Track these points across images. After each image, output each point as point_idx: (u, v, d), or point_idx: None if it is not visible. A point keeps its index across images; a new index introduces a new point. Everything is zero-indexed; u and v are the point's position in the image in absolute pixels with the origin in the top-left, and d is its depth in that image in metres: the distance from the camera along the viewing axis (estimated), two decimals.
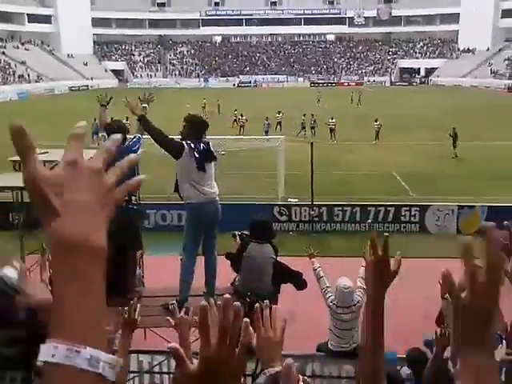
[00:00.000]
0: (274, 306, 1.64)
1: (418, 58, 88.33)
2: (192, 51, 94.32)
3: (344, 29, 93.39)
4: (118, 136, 0.88)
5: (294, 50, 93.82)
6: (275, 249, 5.76)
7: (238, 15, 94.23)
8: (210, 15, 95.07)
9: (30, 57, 75.34)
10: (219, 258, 6.12)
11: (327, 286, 5.91)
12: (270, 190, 16.68)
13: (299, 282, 5.74)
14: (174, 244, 5.91)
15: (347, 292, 5.62)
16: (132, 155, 0.90)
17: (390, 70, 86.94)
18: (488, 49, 79.56)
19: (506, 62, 73.76)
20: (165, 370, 5.48)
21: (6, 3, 76.11)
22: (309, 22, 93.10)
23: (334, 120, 28.88)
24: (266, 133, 27.88)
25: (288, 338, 1.65)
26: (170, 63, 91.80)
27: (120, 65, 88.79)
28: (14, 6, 77.90)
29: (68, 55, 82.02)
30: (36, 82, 70.78)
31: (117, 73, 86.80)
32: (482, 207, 14.04)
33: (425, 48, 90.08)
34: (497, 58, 76.38)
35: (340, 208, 14.43)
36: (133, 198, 5.76)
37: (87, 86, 75.44)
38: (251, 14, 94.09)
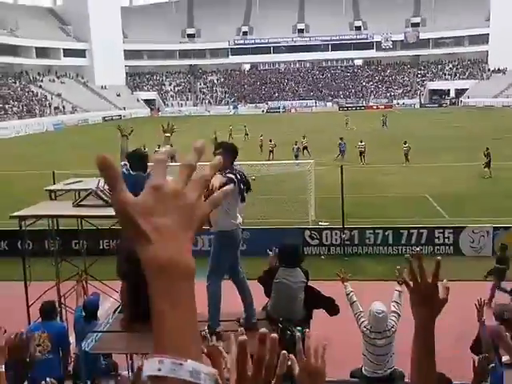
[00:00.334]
0: (314, 333, 1.61)
1: (447, 79, 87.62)
2: (221, 79, 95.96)
3: (372, 53, 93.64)
4: (196, 151, 0.89)
5: (322, 75, 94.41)
6: (306, 273, 5.71)
7: (265, 43, 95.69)
8: (238, 44, 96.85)
9: (65, 89, 77.95)
10: (250, 283, 6.11)
11: (360, 311, 5.82)
12: (300, 213, 16.64)
13: (331, 307, 5.67)
14: (203, 269, 5.94)
15: (381, 317, 5.52)
16: (227, 187, 0.93)
17: (419, 92, 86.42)
18: None
19: None
20: None
21: (43, 39, 79.41)
22: (336, 47, 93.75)
23: (363, 143, 28.81)
24: (296, 157, 27.96)
25: None
26: (200, 92, 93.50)
27: (151, 94, 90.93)
28: (51, 41, 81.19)
29: (101, 87, 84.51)
30: (71, 113, 73.02)
31: (148, 102, 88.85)
32: None
33: (454, 69, 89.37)
34: None
35: (371, 231, 14.27)
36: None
37: (120, 115, 77.33)
38: (279, 42, 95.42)
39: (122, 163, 5.92)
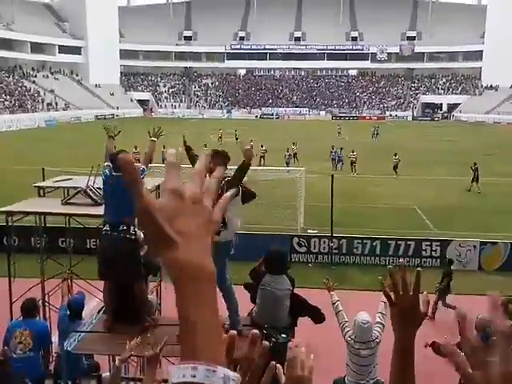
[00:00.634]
0: (302, 342, 1.60)
1: (440, 93, 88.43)
2: (216, 83, 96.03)
3: (366, 64, 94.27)
4: (203, 158, 0.92)
5: (317, 83, 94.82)
6: (292, 280, 5.70)
7: (262, 49, 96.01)
8: (234, 49, 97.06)
9: (58, 86, 77.60)
10: (236, 288, 6.08)
11: (345, 321, 5.82)
12: (289, 220, 16.65)
13: (316, 316, 5.66)
14: None
15: (366, 327, 5.53)
16: (228, 193, 0.95)
17: (412, 104, 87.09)
18: (511, 86, 79.43)
19: None
20: None
21: (39, 34, 79.06)
22: (332, 57, 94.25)
23: (355, 153, 28.94)
24: (287, 164, 28.00)
25: None
26: (195, 94, 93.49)
27: (145, 95, 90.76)
28: (46, 37, 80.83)
29: (96, 85, 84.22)
30: (64, 110, 72.64)
31: (142, 103, 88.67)
32: (504, 244, 13.79)
33: (447, 84, 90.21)
34: None
35: (360, 241, 14.31)
36: (131, 227, 5.69)
37: (113, 114, 77.05)
38: (275, 49, 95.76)
39: (106, 164, 5.85)
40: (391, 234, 14.91)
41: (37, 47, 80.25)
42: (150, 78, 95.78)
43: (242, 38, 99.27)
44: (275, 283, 5.53)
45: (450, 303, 10.62)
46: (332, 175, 14.91)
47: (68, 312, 6.39)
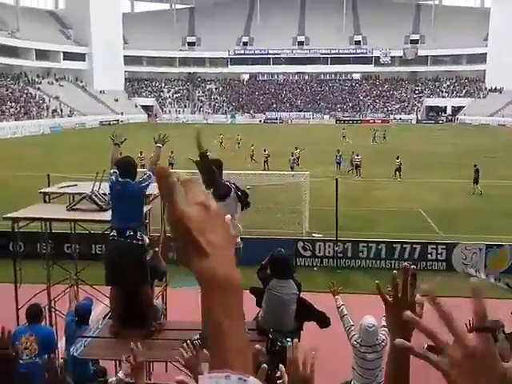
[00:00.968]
0: (302, 344, 1.61)
1: (444, 96, 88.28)
2: (220, 88, 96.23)
3: (370, 68, 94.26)
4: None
5: (321, 87, 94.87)
6: (298, 285, 5.70)
7: (265, 54, 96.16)
8: (238, 54, 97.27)
9: (63, 92, 77.97)
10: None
11: (351, 325, 5.81)
12: (294, 224, 16.64)
13: (322, 320, 5.65)
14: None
15: (371, 331, 5.52)
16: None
17: (416, 108, 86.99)
18: None
19: None
20: None
21: (44, 42, 79.56)
22: (335, 61, 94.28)
23: (359, 156, 28.92)
24: (292, 168, 28.01)
25: None
26: (199, 100, 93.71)
27: (149, 101, 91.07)
28: (51, 44, 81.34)
29: (100, 91, 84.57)
30: (68, 116, 72.96)
31: (146, 108, 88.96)
32: (510, 246, 13.73)
33: (451, 87, 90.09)
34: None
35: (365, 244, 14.28)
36: (138, 233, 5.72)
37: (117, 120, 77.36)
38: (278, 54, 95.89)
39: (112, 171, 5.88)
40: (397, 238, 14.88)
41: (41, 54, 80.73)
42: (154, 83, 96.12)
43: (245, 43, 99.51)
44: (282, 288, 5.53)
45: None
46: (336, 179, 14.90)
47: (75, 317, 6.41)
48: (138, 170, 6.17)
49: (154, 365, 6.69)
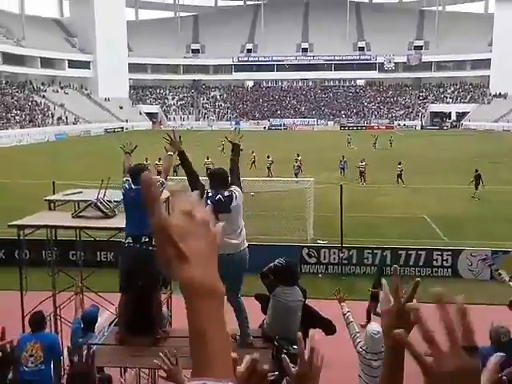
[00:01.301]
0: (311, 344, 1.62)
1: (448, 102, 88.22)
2: (224, 95, 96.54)
3: (374, 74, 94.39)
4: (196, 192, 1.00)
5: (325, 94, 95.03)
6: (303, 291, 5.69)
7: (269, 61, 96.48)
8: (242, 61, 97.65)
9: (68, 100, 78.40)
10: (247, 299, 6.07)
11: (357, 332, 5.80)
12: (299, 231, 16.63)
13: (328, 327, 5.64)
14: None
15: (377, 338, 5.49)
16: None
17: (420, 114, 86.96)
18: None
19: None
20: None
21: (49, 50, 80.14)
22: (339, 67, 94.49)
23: (363, 163, 28.90)
24: (296, 175, 28.00)
25: None
26: (203, 107, 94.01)
27: (154, 108, 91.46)
28: (56, 52, 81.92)
29: (105, 99, 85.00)
30: (73, 124, 73.32)
31: (151, 116, 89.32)
32: None
33: (456, 93, 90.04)
34: None
35: (370, 251, 14.24)
36: (153, 240, 5.77)
37: (122, 128, 77.69)
38: (282, 60, 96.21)
39: (124, 179, 5.96)
40: (401, 244, 14.83)
41: (47, 62, 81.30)
42: (158, 90, 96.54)
43: (249, 50, 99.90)
44: (287, 295, 5.52)
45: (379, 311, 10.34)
46: (341, 185, 14.89)
47: (81, 325, 6.41)
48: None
49: (159, 372, 6.68)
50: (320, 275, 13.95)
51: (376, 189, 26.50)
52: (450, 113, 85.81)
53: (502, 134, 66.75)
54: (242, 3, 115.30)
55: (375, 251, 14.18)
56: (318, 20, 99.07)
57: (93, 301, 7.44)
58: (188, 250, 0.84)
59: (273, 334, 5.38)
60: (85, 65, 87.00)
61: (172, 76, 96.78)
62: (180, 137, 6.26)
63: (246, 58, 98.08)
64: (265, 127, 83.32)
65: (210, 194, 5.57)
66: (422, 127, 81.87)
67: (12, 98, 71.59)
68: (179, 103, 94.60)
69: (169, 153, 6.30)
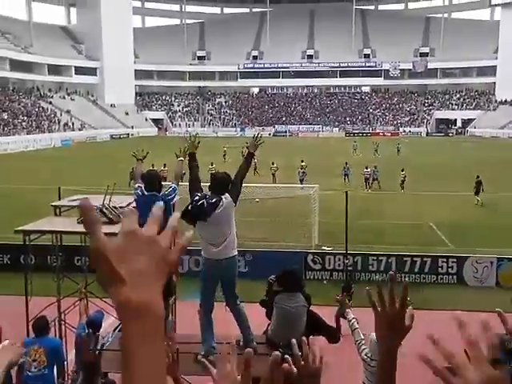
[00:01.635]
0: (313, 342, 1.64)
1: (454, 109, 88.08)
2: (230, 102, 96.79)
3: (379, 81, 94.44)
4: (161, 204, 0.98)
5: (330, 100, 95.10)
6: (307, 297, 5.68)
7: (275, 68, 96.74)
8: (247, 68, 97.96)
9: (74, 106, 78.84)
10: (248, 306, 6.06)
11: (361, 339, 5.77)
12: (303, 237, 16.60)
13: (332, 335, 5.62)
14: (194, 291, 5.97)
15: None
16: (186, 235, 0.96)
17: (425, 120, 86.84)
18: None
19: None
20: None
21: (56, 57, 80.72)
22: (344, 74, 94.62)
23: (368, 169, 28.86)
24: (301, 181, 27.98)
25: None
26: (209, 113, 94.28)
27: (160, 114, 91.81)
28: (63, 59, 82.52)
29: (111, 105, 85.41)
30: (79, 130, 73.68)
31: (156, 122, 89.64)
32: None
33: (461, 99, 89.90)
34: None
35: (375, 258, 14.20)
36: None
37: (128, 134, 77.99)
38: (288, 67, 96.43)
39: (136, 185, 6.02)
40: (407, 251, 14.78)
41: (54, 69, 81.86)
42: (164, 97, 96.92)
43: (255, 57, 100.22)
44: (289, 301, 5.52)
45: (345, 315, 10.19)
46: (346, 192, 14.87)
47: (86, 330, 6.42)
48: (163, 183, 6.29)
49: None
50: (324, 282, 13.92)
51: (381, 195, 26.44)
52: (455, 120, 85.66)
53: (507, 141, 66.52)
54: (247, 10, 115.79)
55: (380, 258, 14.14)
56: (324, 27, 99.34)
57: (97, 306, 7.45)
58: (126, 271, 0.83)
59: (277, 340, 5.37)
60: (91, 71, 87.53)
61: (178, 82, 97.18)
62: (199, 142, 6.30)
63: (251, 65, 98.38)
64: (270, 134, 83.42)
65: (196, 198, 5.57)
66: (427, 134, 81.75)
67: (19, 104, 72.05)
68: (185, 110, 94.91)
69: (179, 158, 6.37)
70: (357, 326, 5.87)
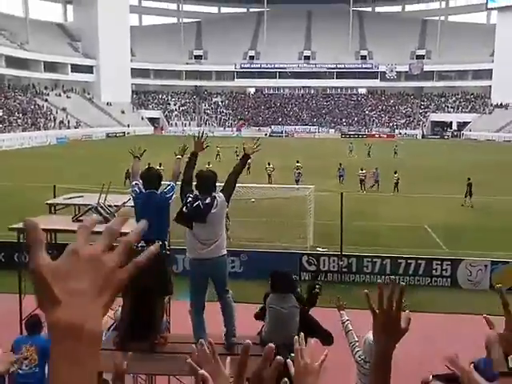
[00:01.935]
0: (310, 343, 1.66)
1: (449, 112, 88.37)
2: (226, 102, 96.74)
3: (376, 83, 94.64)
4: (120, 219, 0.94)
5: (326, 102, 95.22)
6: (299, 298, 5.70)
7: (271, 68, 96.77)
8: (244, 68, 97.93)
9: (70, 104, 78.59)
10: (243, 307, 6.07)
11: (355, 341, 5.77)
12: (299, 238, 16.61)
13: (326, 338, 5.63)
14: (183, 292, 5.96)
15: None
16: (150, 251, 0.93)
17: (421, 123, 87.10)
18: None
19: None
20: None
21: (52, 54, 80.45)
22: (341, 75, 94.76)
23: (364, 171, 28.91)
24: (297, 182, 28.02)
25: None
26: (205, 113, 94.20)
27: (156, 113, 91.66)
28: (59, 56, 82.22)
29: (107, 103, 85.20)
30: (75, 127, 73.45)
31: (153, 121, 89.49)
32: None
33: (457, 102, 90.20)
34: None
35: (369, 259, 14.22)
36: (166, 244, 5.82)
37: (124, 132, 77.82)
38: (284, 68, 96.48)
39: (134, 183, 5.99)
40: (401, 253, 14.82)
41: (50, 66, 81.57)
42: (160, 96, 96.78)
43: (251, 57, 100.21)
44: (280, 302, 5.54)
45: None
46: (341, 193, 14.90)
47: None
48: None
49: (156, 378, 6.67)
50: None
51: (376, 197, 26.50)
52: (451, 122, 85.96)
53: (502, 144, 66.80)
54: (245, 10, 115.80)
55: (375, 260, 14.17)
56: (321, 28, 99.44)
57: None
58: (62, 291, 0.81)
59: (271, 341, 5.37)
60: (88, 69, 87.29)
61: (174, 81, 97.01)
62: (208, 145, 6.31)
63: (248, 65, 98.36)
64: (266, 134, 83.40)
65: (189, 199, 5.58)
66: (422, 136, 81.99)
67: (15, 102, 71.78)
68: (181, 109, 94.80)
69: (177, 156, 6.36)
70: (351, 328, 5.88)
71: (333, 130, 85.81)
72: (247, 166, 31.32)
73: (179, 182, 6.00)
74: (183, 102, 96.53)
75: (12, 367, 4.90)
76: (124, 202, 7.71)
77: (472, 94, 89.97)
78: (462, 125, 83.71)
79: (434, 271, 13.96)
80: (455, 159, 45.36)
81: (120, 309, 6.08)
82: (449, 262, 14.02)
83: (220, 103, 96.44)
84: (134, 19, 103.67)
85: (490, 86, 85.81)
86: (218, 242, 5.64)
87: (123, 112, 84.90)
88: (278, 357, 1.00)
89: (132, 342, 5.54)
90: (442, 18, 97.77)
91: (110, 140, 70.25)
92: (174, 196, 6.01)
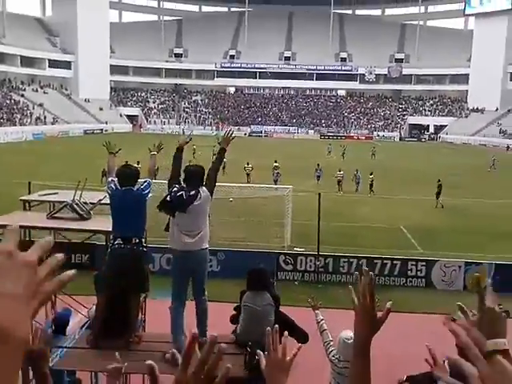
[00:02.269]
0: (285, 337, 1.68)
1: (427, 115, 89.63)
2: (206, 100, 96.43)
3: (355, 85, 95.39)
4: (50, 238, 0.93)
5: (306, 103, 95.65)
6: (275, 297, 5.71)
7: (251, 68, 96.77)
8: (224, 67, 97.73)
9: (47, 100, 77.38)
10: (219, 306, 6.06)
11: (330, 340, 5.81)
12: (276, 238, 16.66)
13: (301, 337, 5.65)
14: (163, 289, 5.93)
15: (350, 343, 5.51)
16: (67, 273, 0.91)
17: (399, 125, 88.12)
18: (497, 109, 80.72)
19: None
20: None
21: (29, 48, 79.10)
22: (321, 77, 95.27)
23: (341, 172, 29.12)
24: (275, 182, 28.08)
25: None
26: (184, 111, 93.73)
27: (135, 110, 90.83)
28: (37, 51, 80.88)
29: (85, 100, 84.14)
30: (52, 124, 72.36)
31: (131, 118, 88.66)
32: (489, 264, 13.91)
33: (434, 106, 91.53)
34: (505, 118, 77.39)
35: (346, 259, 14.34)
36: (143, 241, 5.79)
37: (101, 129, 76.96)
38: (265, 68, 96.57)
39: (110, 179, 5.92)
40: (377, 253, 14.97)
41: (27, 61, 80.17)
42: (139, 93, 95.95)
43: (232, 57, 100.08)
44: (255, 300, 5.54)
45: None
46: (319, 194, 14.99)
47: (52, 327, 6.31)
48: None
49: (131, 377, 6.61)
50: (296, 282, 13.99)
51: (354, 198, 26.71)
52: (428, 125, 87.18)
53: (477, 148, 68.00)
54: (226, 9, 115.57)
55: (351, 260, 14.29)
56: (302, 29, 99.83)
57: (65, 303, 7.34)
58: None
59: (245, 339, 5.38)
60: (66, 65, 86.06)
61: (154, 79, 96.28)
62: (191, 139, 6.48)
63: (228, 64, 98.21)
64: (245, 133, 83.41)
65: (174, 189, 5.61)
66: (400, 139, 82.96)
67: None
68: (160, 107, 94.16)
69: (152, 153, 6.34)
70: (325, 328, 5.91)
71: (312, 131, 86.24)
72: (222, 166, 31.50)
73: (160, 181, 5.98)
74: (162, 99, 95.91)
75: None
76: (100, 200, 7.63)
77: (449, 97, 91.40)
78: (439, 128, 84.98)
79: (409, 272, 14.15)
80: (432, 162, 46.00)
81: (94, 307, 6.02)
82: (424, 263, 14.23)
83: (200, 102, 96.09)
84: (113, 15, 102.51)
85: (467, 91, 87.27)
86: (201, 233, 5.66)
87: (101, 109, 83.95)
88: (222, 345, 0.99)
89: (106, 340, 5.48)
90: (421, 22, 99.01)
91: (88, 137, 69.40)
92: (150, 193, 5.98)
